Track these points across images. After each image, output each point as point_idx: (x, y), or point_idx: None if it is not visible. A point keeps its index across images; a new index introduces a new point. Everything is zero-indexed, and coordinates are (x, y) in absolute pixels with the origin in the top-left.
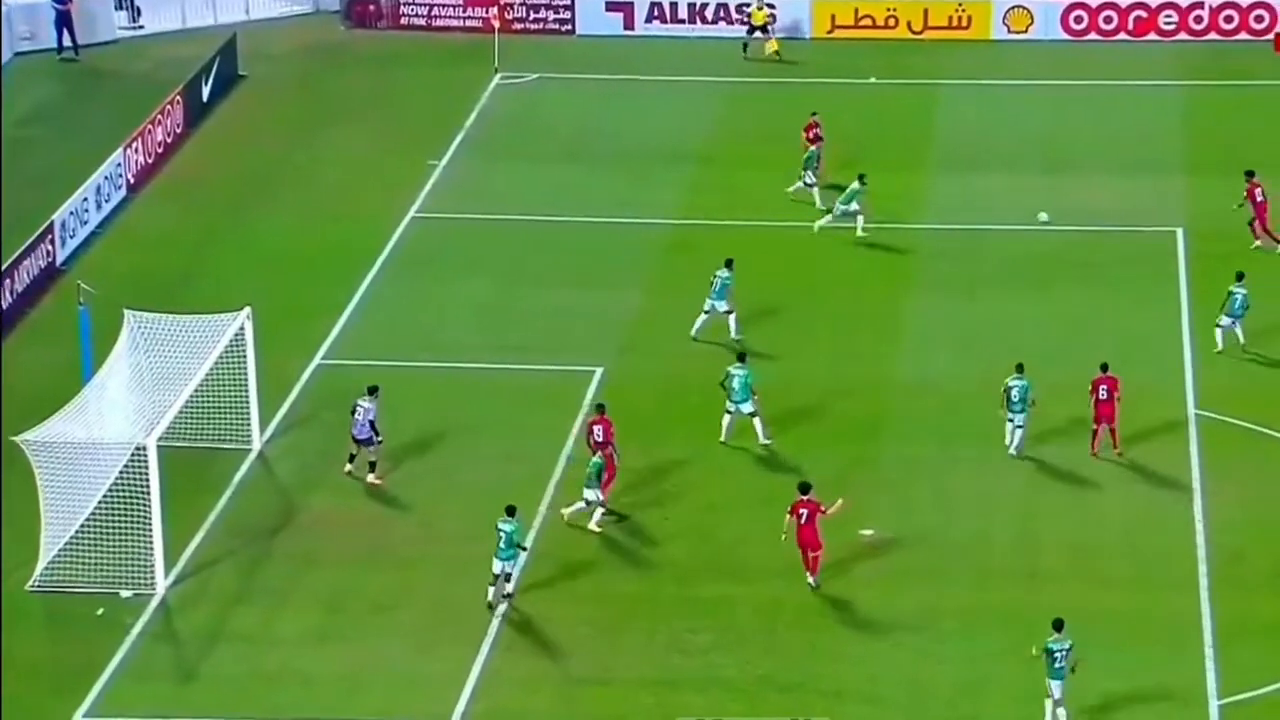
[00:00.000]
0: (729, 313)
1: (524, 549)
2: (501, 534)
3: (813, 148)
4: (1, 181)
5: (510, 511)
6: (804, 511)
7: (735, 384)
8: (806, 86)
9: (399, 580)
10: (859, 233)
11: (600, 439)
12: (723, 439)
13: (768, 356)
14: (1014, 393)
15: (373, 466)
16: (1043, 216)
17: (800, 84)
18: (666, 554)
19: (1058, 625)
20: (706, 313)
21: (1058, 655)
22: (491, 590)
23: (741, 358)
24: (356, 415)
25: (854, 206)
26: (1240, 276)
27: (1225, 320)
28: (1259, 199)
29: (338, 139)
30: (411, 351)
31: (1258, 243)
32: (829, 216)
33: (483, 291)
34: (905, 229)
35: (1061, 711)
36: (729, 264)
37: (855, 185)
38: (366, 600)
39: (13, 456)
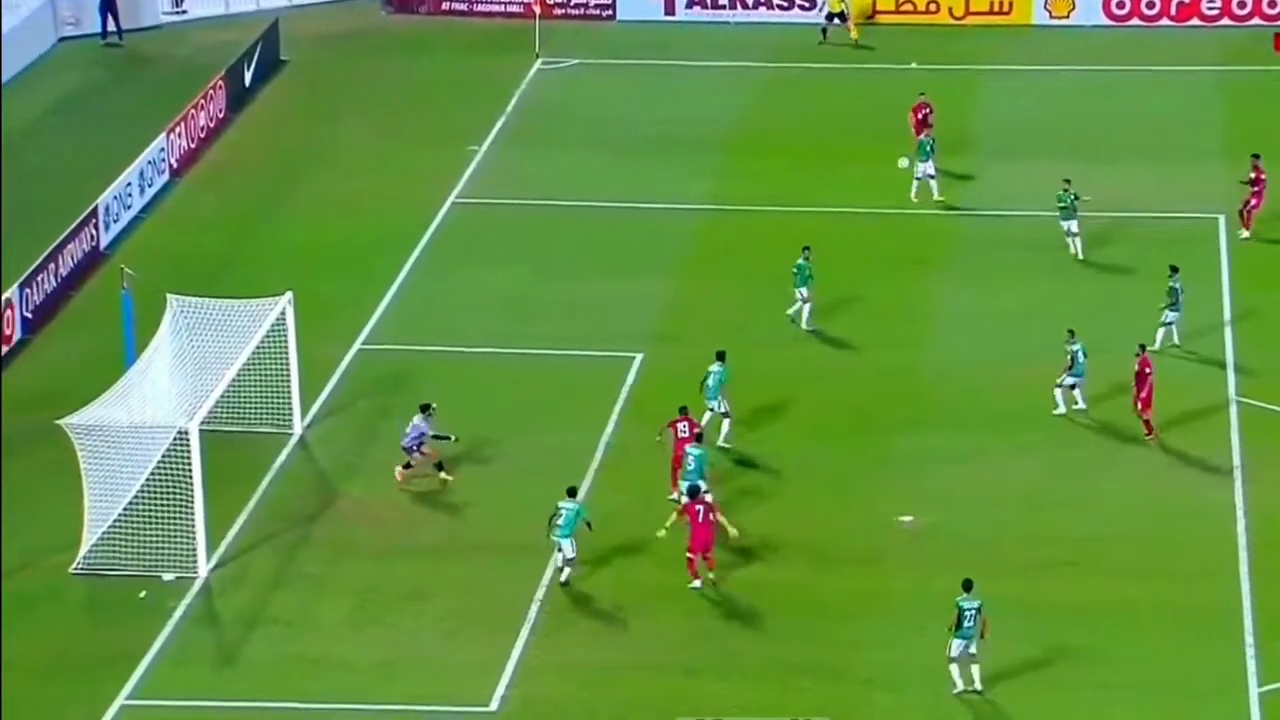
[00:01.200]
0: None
1: (590, 526)
2: (562, 512)
3: (923, 136)
4: (1, 185)
5: (571, 493)
6: (699, 509)
7: (710, 381)
8: (846, 72)
9: (436, 567)
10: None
11: (687, 434)
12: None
13: (798, 342)
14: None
15: (440, 466)
16: (1083, 198)
17: (840, 70)
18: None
19: (967, 585)
20: (801, 300)
21: (967, 614)
22: (566, 571)
23: (720, 356)
24: (409, 430)
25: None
26: (1174, 270)
27: (1170, 316)
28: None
29: (379, 124)
30: (450, 337)
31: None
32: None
33: (522, 277)
34: (943, 215)
35: (975, 669)
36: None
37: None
38: (404, 587)
39: (54, 439)
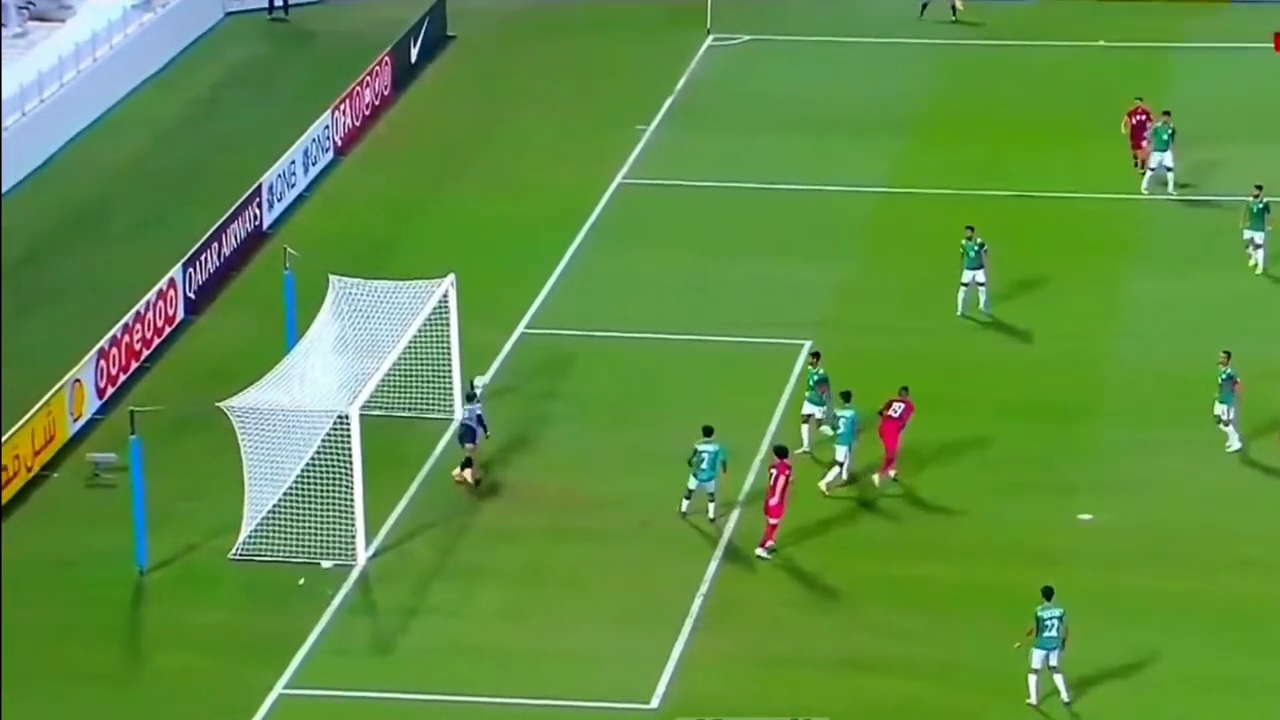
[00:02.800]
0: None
1: (726, 467)
2: (704, 455)
3: (1159, 124)
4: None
5: (708, 432)
6: (773, 472)
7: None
8: (1028, 50)
9: (595, 555)
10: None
11: (897, 415)
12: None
13: (971, 329)
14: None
15: (467, 464)
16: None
17: (1021, 47)
18: (867, 532)
19: (1047, 593)
20: (968, 284)
21: (1048, 623)
22: (686, 503)
23: (708, 432)
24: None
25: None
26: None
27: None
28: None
29: (546, 103)
30: (615, 321)
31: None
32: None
33: (690, 260)
34: (1132, 200)
35: (1060, 679)
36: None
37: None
38: (562, 575)
39: (216, 422)
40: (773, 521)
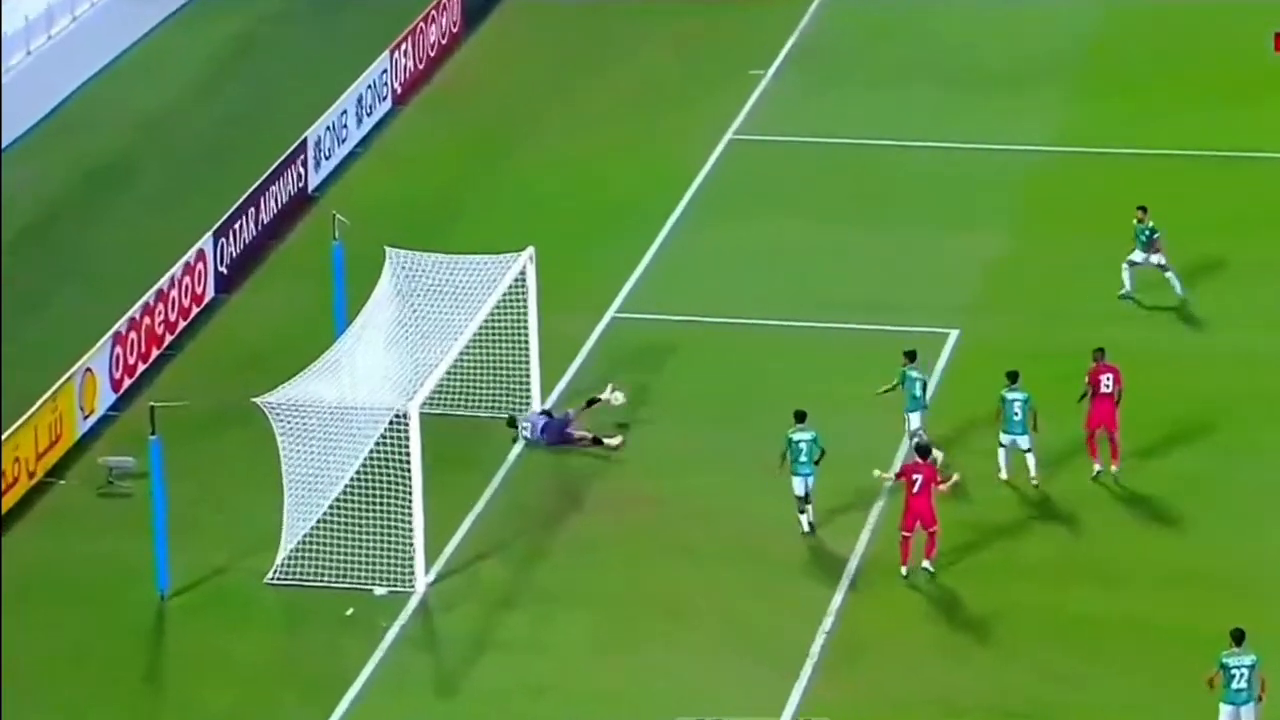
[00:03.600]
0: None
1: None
2: (800, 445)
3: None
4: None
5: (800, 417)
6: (918, 477)
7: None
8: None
9: (696, 579)
10: None
11: (1110, 389)
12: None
13: (1153, 311)
14: None
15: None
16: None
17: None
18: (1029, 556)
19: (1237, 637)
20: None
21: (1236, 673)
22: (804, 517)
23: (800, 417)
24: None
25: None
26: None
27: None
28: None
29: (643, 43)
30: (721, 305)
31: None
32: None
33: (810, 232)
34: None
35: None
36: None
37: None
38: (658, 603)
39: (251, 418)
40: (931, 530)
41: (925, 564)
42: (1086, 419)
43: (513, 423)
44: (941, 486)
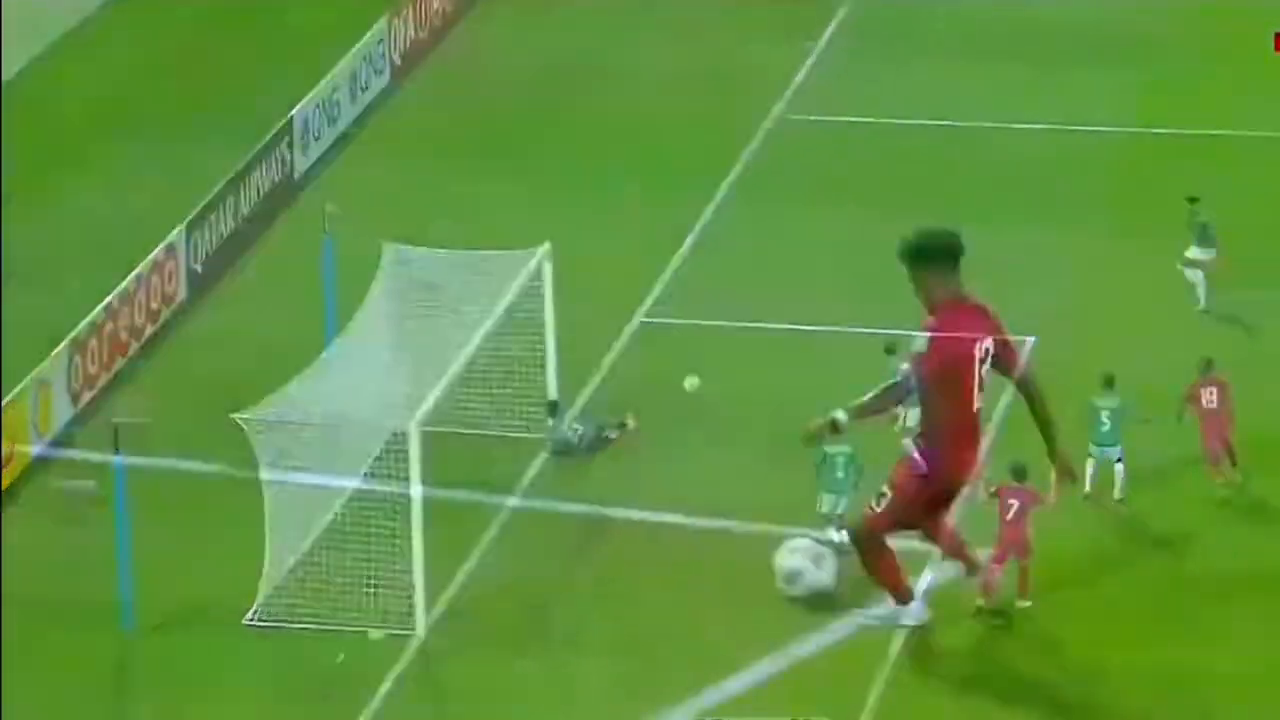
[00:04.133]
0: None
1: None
2: (836, 459)
3: None
4: None
5: (834, 427)
6: (1014, 503)
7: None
8: None
9: (731, 620)
10: None
11: (1215, 403)
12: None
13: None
14: None
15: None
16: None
17: None
18: (1113, 597)
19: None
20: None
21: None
22: (840, 538)
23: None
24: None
25: None
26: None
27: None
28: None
29: (678, 10)
30: (764, 307)
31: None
32: None
33: (867, 224)
34: None
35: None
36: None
37: None
38: (688, 647)
39: (230, 437)
40: (1024, 563)
41: (1022, 602)
42: (1202, 436)
43: (554, 409)
44: (1046, 506)
